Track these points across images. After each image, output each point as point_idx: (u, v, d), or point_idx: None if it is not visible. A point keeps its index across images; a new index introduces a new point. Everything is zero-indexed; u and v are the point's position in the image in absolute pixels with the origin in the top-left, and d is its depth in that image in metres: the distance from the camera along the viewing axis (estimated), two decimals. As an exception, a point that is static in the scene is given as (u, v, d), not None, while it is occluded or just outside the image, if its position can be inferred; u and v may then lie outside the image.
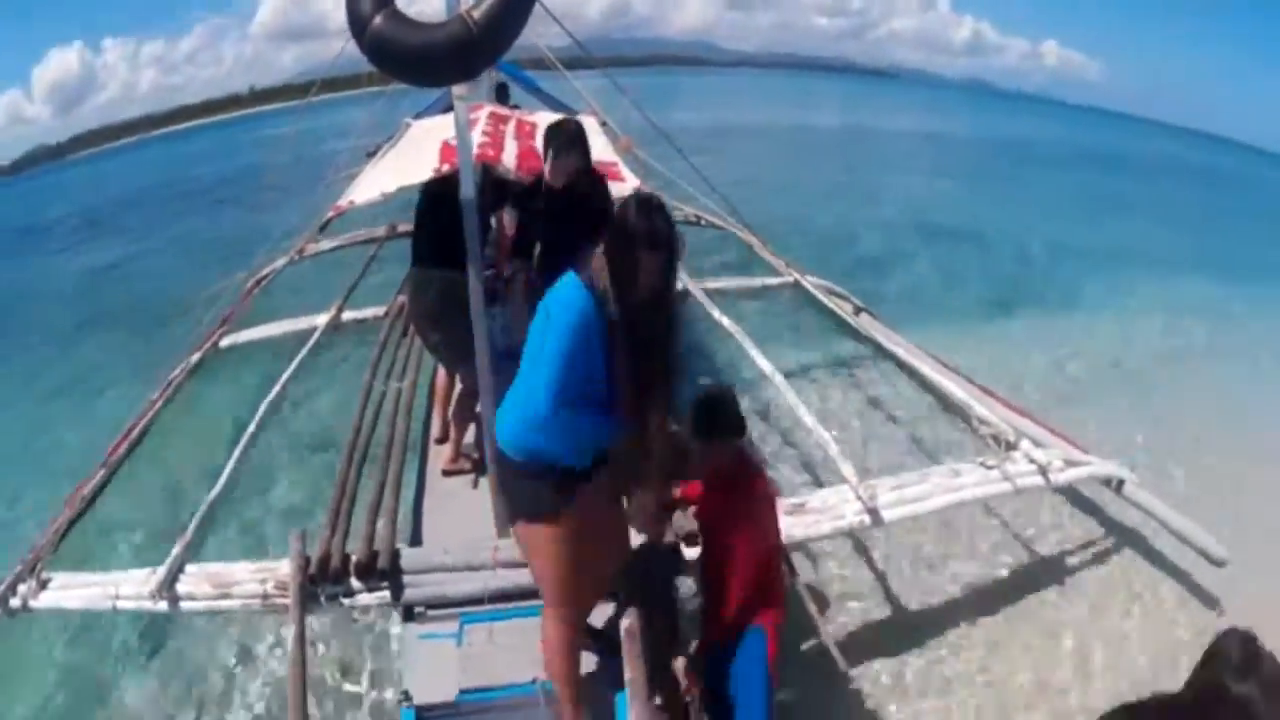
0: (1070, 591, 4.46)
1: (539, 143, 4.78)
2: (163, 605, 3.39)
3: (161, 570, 3.43)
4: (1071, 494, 5.05)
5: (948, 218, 15.38)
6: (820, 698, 3.68)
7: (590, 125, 5.90)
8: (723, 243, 8.84)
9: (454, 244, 3.26)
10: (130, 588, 3.44)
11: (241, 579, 3.46)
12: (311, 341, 5.93)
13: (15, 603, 3.44)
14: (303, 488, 5.49)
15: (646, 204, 2.30)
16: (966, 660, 3.98)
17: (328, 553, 3.38)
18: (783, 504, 3.67)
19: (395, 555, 3.39)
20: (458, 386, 4.39)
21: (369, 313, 6.75)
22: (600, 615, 3.15)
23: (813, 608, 3.40)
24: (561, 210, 3.91)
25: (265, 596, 3.38)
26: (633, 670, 2.78)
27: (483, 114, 5.09)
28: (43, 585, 3.49)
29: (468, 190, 3.12)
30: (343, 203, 4.96)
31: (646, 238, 2.23)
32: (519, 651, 3.01)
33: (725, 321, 5.90)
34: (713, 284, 6.98)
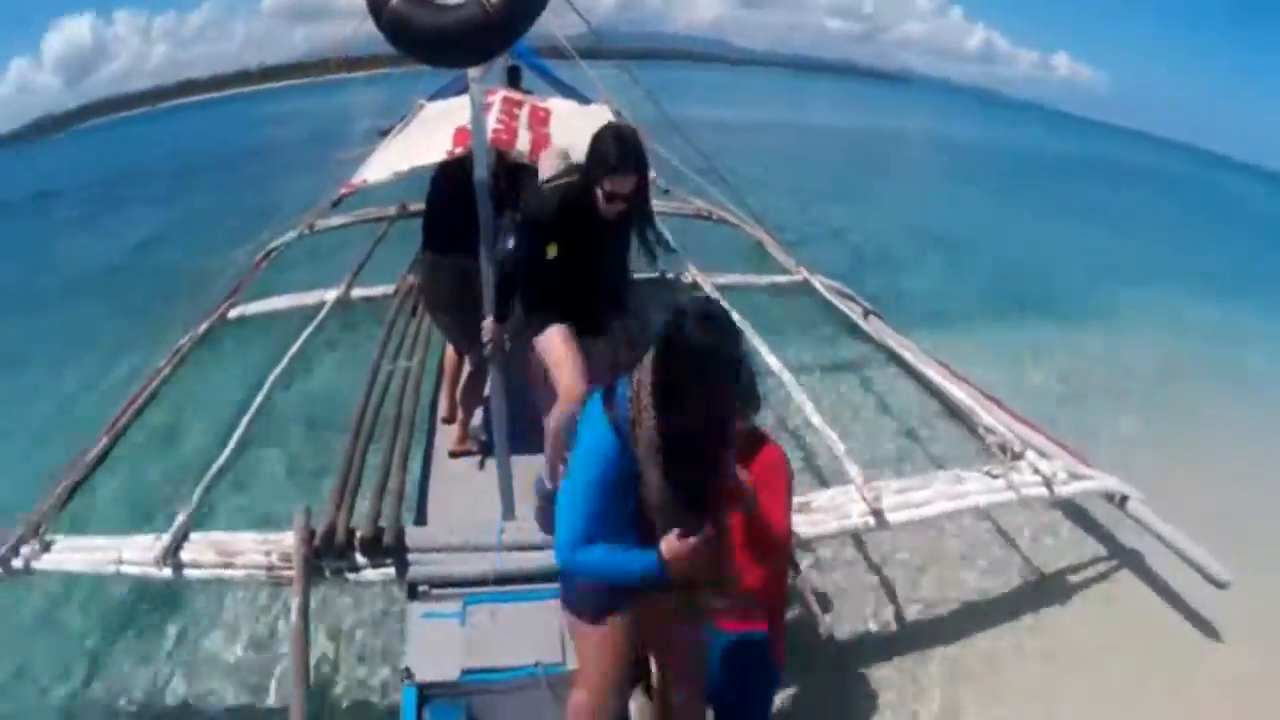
0: (1069, 605, 4.45)
1: (553, 130, 4.77)
2: (166, 572, 3.39)
3: (166, 537, 3.42)
4: (1075, 508, 5.04)
5: (956, 224, 15.38)
6: (821, 697, 3.69)
7: (603, 115, 5.90)
8: (733, 238, 8.82)
9: (467, 229, 3.26)
10: (134, 553, 3.43)
11: (246, 549, 3.45)
12: (320, 317, 5.92)
13: (18, 563, 3.43)
14: (308, 462, 5.49)
15: (709, 319, 1.95)
16: (966, 666, 3.98)
17: (333, 526, 3.38)
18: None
19: (400, 533, 3.39)
20: (466, 367, 4.38)
21: (378, 290, 6.74)
22: None
23: (816, 607, 3.41)
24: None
25: (270, 568, 3.38)
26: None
27: (497, 98, 5.07)
28: (45, 547, 3.49)
29: (481, 172, 3.12)
30: (356, 180, 4.96)
31: (713, 364, 1.93)
32: (522, 634, 3.01)
33: (733, 317, 5.87)
34: (721, 279, 6.96)
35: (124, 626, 4.19)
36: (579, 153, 3.87)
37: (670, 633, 2.48)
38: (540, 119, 4.96)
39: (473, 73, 3.09)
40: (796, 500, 3.83)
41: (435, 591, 3.27)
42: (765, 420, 5.94)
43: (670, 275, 6.83)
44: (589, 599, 2.31)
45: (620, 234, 3.20)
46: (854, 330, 7.03)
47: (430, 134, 4.85)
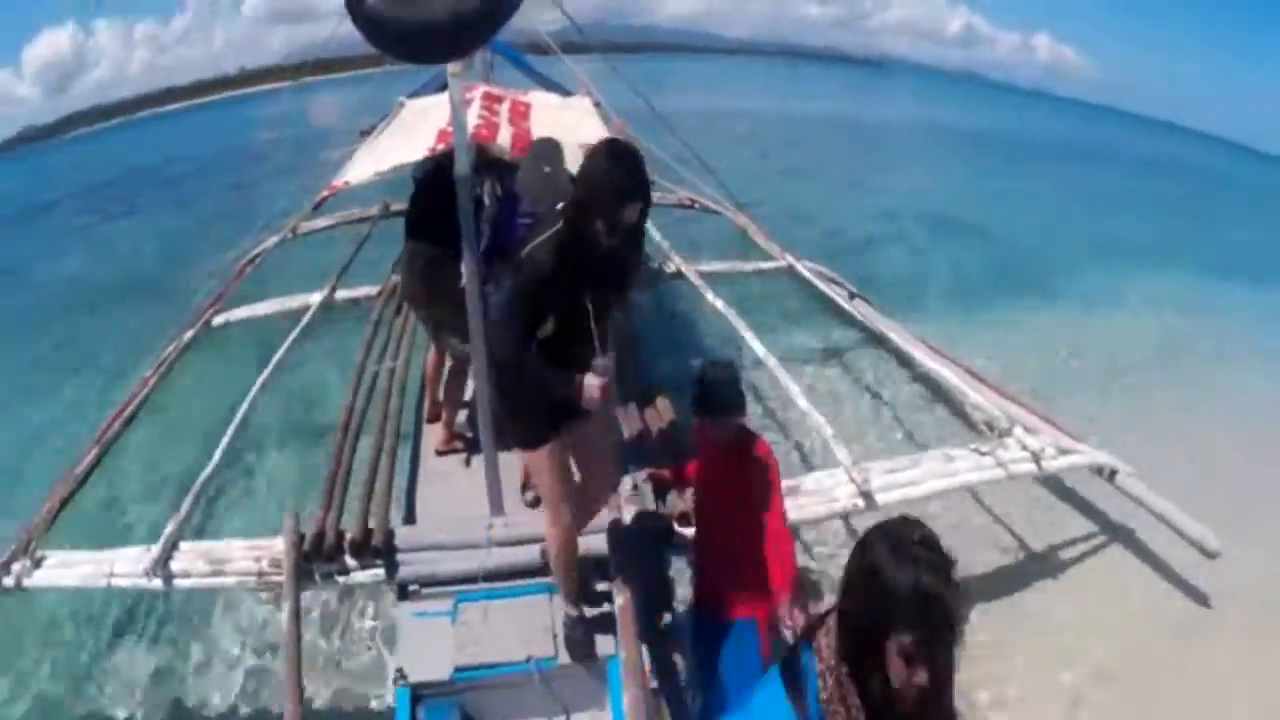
0: (1061, 581, 4.48)
1: (532, 125, 4.74)
2: (157, 583, 3.40)
3: (156, 548, 3.43)
4: (1063, 483, 5.04)
5: (941, 206, 15.35)
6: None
7: (584, 107, 5.88)
8: (716, 226, 8.81)
9: (446, 221, 3.25)
10: (125, 565, 3.44)
11: (236, 556, 3.46)
12: (305, 320, 5.90)
13: (9, 581, 3.44)
14: (296, 466, 5.48)
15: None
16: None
17: (322, 530, 3.39)
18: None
19: (390, 534, 3.40)
20: (447, 365, 4.38)
21: (362, 292, 6.72)
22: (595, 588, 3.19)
23: (805, 592, 3.41)
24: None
25: (260, 574, 3.39)
26: (626, 650, 2.80)
27: (477, 94, 5.03)
28: (37, 563, 3.50)
29: (462, 167, 3.10)
30: (338, 182, 4.92)
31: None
32: (514, 630, 3.02)
33: (718, 305, 5.89)
34: (706, 267, 6.95)
35: (118, 635, 4.18)
36: (569, 146, 3.86)
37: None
38: (521, 113, 4.93)
39: (452, 69, 3.08)
40: (786, 484, 3.86)
41: (426, 591, 3.27)
42: (753, 407, 5.97)
43: (655, 265, 6.82)
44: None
45: (624, 269, 2.81)
46: (840, 314, 7.03)
47: (412, 132, 4.83)
